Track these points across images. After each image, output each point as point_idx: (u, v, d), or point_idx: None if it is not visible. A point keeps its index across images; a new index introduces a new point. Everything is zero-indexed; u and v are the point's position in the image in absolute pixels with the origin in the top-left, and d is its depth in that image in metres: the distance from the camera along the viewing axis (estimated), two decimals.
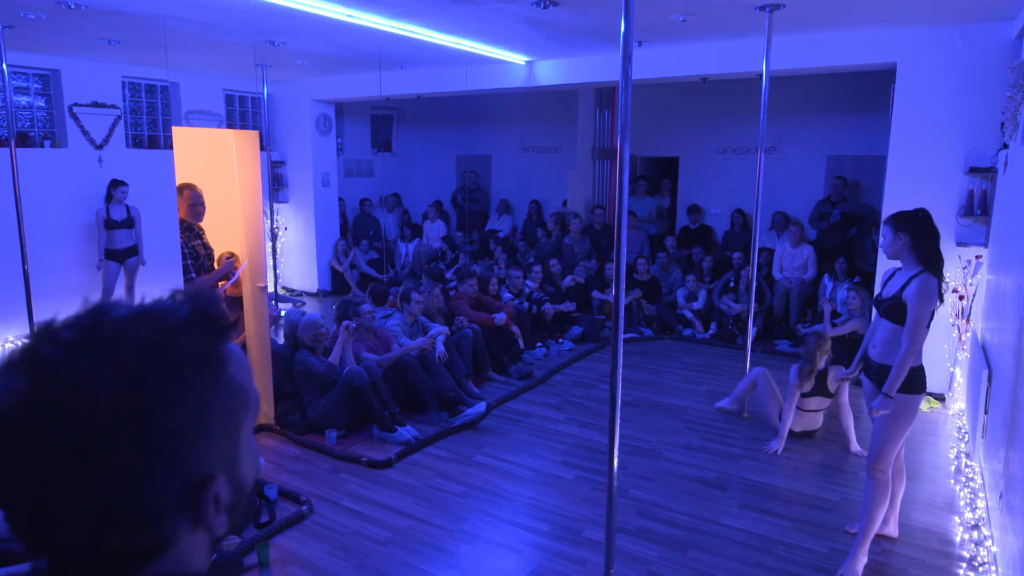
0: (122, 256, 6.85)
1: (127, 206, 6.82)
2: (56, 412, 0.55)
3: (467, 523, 3.55)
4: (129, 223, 6.84)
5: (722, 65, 6.07)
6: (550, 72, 7.13)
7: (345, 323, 4.84)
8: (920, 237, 3.00)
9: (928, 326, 2.97)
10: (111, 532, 0.57)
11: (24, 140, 6.73)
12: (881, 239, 3.11)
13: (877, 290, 3.30)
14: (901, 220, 3.04)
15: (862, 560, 3.08)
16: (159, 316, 0.61)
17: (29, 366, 0.56)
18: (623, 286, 2.63)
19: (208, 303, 0.63)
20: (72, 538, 0.57)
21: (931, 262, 2.98)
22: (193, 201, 4.39)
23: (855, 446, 4.42)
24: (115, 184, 6.71)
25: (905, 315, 2.98)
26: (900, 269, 3.13)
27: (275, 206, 9.12)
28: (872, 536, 3.11)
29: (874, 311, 3.29)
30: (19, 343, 0.60)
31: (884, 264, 5.53)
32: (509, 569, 3.16)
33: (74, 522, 0.56)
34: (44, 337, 0.57)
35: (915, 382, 2.99)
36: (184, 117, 7.98)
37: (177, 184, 4.39)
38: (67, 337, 0.57)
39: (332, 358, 4.72)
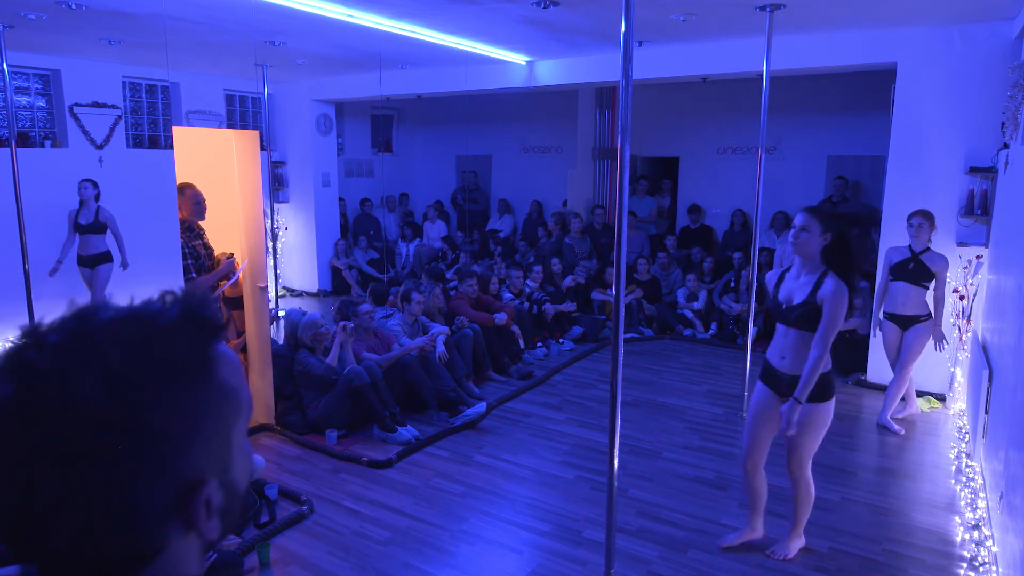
0: (90, 262, 6.42)
1: (97, 208, 6.35)
2: (42, 417, 0.54)
3: (467, 523, 3.55)
4: (98, 228, 6.34)
5: (722, 65, 6.07)
6: (550, 72, 7.13)
7: (342, 323, 4.84)
8: (843, 243, 2.86)
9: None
10: (100, 538, 0.56)
11: (24, 140, 6.73)
12: (799, 231, 2.88)
13: (768, 294, 3.09)
14: (833, 220, 2.89)
15: (796, 543, 3.21)
16: (147, 318, 0.59)
17: (14, 371, 0.55)
18: (623, 286, 2.63)
19: (198, 304, 0.62)
20: (60, 544, 0.56)
21: (844, 268, 2.85)
22: (197, 199, 4.40)
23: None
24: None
25: (819, 320, 2.84)
26: (787, 270, 3.02)
27: (275, 206, 9.12)
28: (806, 520, 3.19)
29: (752, 312, 3.26)
30: (6, 346, 0.59)
31: (884, 263, 5.52)
32: (509, 569, 3.16)
33: (61, 528, 0.55)
34: (29, 341, 0.57)
35: (828, 387, 2.93)
36: (184, 117, 7.99)
37: (178, 184, 4.40)
38: (53, 341, 0.56)
39: (330, 359, 4.71)
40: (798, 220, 2.91)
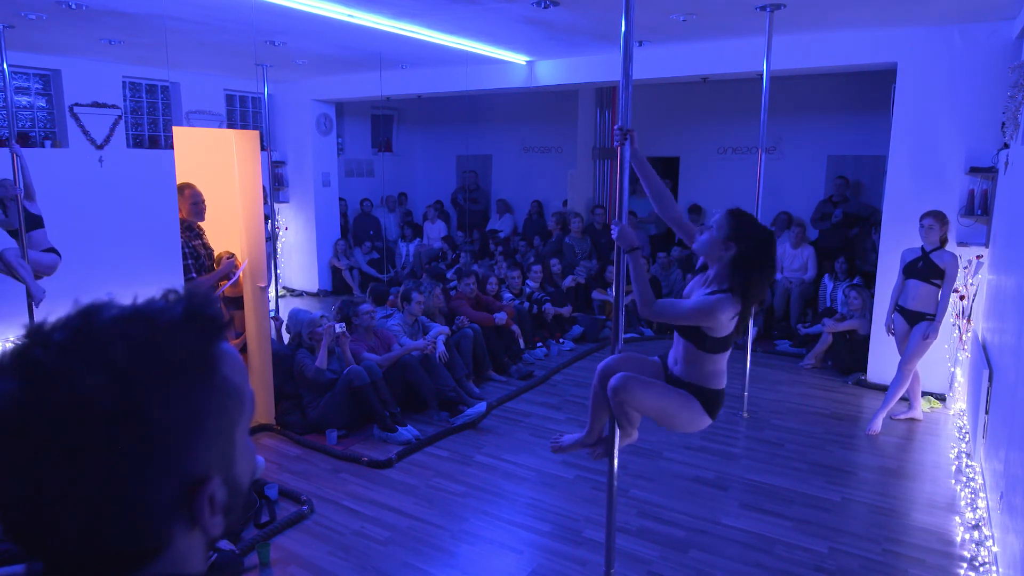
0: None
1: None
2: (47, 414, 0.54)
3: (467, 523, 3.55)
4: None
5: (722, 65, 6.07)
6: (550, 72, 7.13)
7: (328, 324, 4.81)
8: (743, 263, 2.42)
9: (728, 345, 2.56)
10: (105, 534, 0.57)
11: (25, 140, 6.73)
12: (703, 228, 2.57)
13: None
14: (741, 229, 2.43)
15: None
16: (152, 316, 0.60)
17: (20, 369, 0.56)
18: (623, 286, 2.63)
19: (202, 303, 0.63)
20: (66, 540, 0.56)
21: (742, 287, 2.42)
22: (195, 199, 4.39)
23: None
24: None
25: (700, 334, 2.49)
26: (702, 272, 2.64)
27: (276, 206, 9.12)
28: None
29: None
30: (10, 345, 0.59)
31: (885, 264, 5.53)
32: (509, 569, 3.16)
33: (68, 524, 0.56)
34: (35, 339, 0.57)
35: (716, 403, 2.61)
36: (185, 117, 7.99)
37: (177, 184, 4.40)
38: (58, 339, 0.57)
39: (318, 361, 4.69)
40: (713, 218, 2.57)
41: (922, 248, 4.61)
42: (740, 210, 2.50)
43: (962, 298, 5.01)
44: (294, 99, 9.01)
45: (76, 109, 6.97)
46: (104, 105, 7.17)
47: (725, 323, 2.44)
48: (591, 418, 2.88)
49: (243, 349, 4.80)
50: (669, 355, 2.75)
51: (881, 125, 6.65)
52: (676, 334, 2.65)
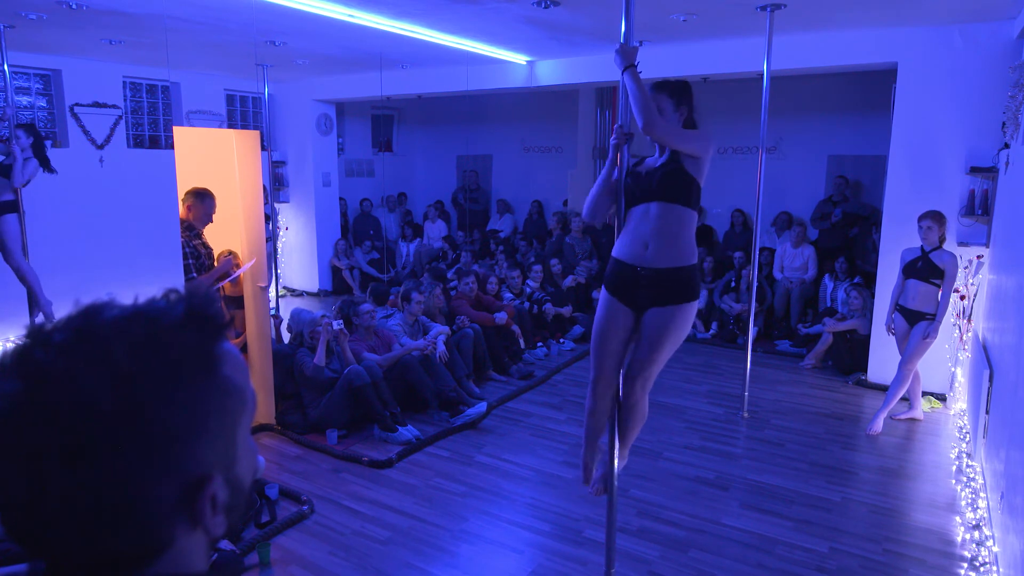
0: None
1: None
2: (49, 414, 0.54)
3: (468, 523, 3.55)
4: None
5: (722, 65, 6.07)
6: (550, 72, 7.13)
7: (326, 321, 4.81)
8: (693, 109, 2.59)
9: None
10: (107, 534, 0.57)
11: None
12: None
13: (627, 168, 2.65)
14: (677, 90, 2.55)
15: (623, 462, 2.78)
16: (153, 316, 0.60)
17: (21, 369, 0.56)
18: None
19: (203, 302, 0.63)
20: (68, 540, 0.56)
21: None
22: (210, 210, 4.38)
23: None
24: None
25: (687, 187, 2.44)
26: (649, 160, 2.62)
27: (276, 206, 9.12)
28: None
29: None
30: (12, 345, 0.59)
31: (885, 263, 5.53)
32: (509, 569, 3.16)
33: (69, 524, 0.56)
34: (36, 340, 0.57)
35: (695, 284, 2.50)
36: (185, 117, 7.98)
37: (198, 188, 4.36)
38: (59, 340, 0.57)
39: (316, 359, 4.69)
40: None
41: (921, 248, 4.62)
42: (661, 80, 2.61)
43: (962, 298, 5.01)
44: (294, 99, 9.01)
45: (76, 109, 6.97)
46: (104, 105, 7.17)
47: (709, 158, 2.50)
48: (586, 448, 2.86)
49: (243, 349, 4.80)
50: (626, 245, 2.53)
51: (881, 125, 6.65)
52: (653, 207, 2.47)
